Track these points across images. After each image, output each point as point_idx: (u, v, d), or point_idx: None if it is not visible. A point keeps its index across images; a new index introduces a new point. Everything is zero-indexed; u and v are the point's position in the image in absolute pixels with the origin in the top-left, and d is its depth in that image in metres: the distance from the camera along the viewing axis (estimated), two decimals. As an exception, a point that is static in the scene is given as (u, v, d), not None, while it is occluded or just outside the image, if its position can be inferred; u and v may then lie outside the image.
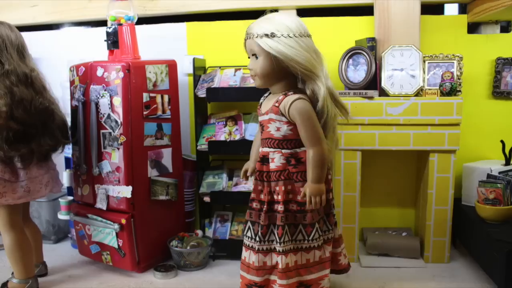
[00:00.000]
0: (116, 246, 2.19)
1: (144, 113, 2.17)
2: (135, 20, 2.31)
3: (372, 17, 2.40)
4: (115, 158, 2.14)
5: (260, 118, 1.74)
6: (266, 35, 1.57)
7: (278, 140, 1.67)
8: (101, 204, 2.20)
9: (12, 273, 2.01)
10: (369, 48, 2.26)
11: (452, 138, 2.16)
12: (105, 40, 2.28)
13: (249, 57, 1.69)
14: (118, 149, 2.12)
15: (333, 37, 2.46)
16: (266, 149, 1.70)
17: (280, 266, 1.66)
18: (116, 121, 2.11)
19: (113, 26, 2.25)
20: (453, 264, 2.26)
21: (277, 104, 1.64)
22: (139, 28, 2.34)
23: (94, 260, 2.34)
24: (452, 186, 2.21)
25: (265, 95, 1.80)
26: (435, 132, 2.17)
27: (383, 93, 2.24)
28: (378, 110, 2.18)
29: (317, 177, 1.63)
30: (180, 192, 2.40)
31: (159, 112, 2.23)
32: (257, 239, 1.69)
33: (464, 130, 2.31)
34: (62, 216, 2.36)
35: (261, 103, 1.79)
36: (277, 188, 1.67)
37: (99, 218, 2.21)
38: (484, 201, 2.08)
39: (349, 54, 2.27)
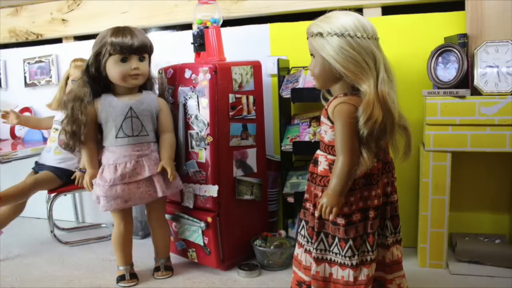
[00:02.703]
0: (202, 244, 2.24)
1: (230, 113, 2.20)
2: (221, 23, 2.35)
3: (462, 12, 2.29)
4: (202, 157, 2.19)
5: None
6: (318, 34, 1.50)
7: (325, 144, 1.60)
8: (188, 203, 2.27)
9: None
10: (460, 45, 2.15)
11: (556, 140, 2.02)
12: (191, 43, 2.34)
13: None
14: (205, 149, 2.17)
15: (421, 35, 2.37)
16: (318, 151, 1.65)
17: (311, 272, 1.63)
18: (204, 122, 2.16)
19: (200, 29, 2.30)
20: (553, 274, 2.11)
21: (326, 107, 1.58)
22: (223, 30, 2.38)
23: (180, 256, 2.42)
24: (554, 191, 2.07)
25: None
26: (535, 133, 2.03)
27: (475, 92, 2.12)
28: (470, 109, 2.08)
29: (335, 188, 1.50)
30: (264, 192, 2.41)
31: (245, 113, 2.26)
32: (306, 239, 1.67)
33: None
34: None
35: None
36: (318, 193, 1.60)
37: (186, 216, 2.28)
38: None
39: (438, 52, 2.18)
